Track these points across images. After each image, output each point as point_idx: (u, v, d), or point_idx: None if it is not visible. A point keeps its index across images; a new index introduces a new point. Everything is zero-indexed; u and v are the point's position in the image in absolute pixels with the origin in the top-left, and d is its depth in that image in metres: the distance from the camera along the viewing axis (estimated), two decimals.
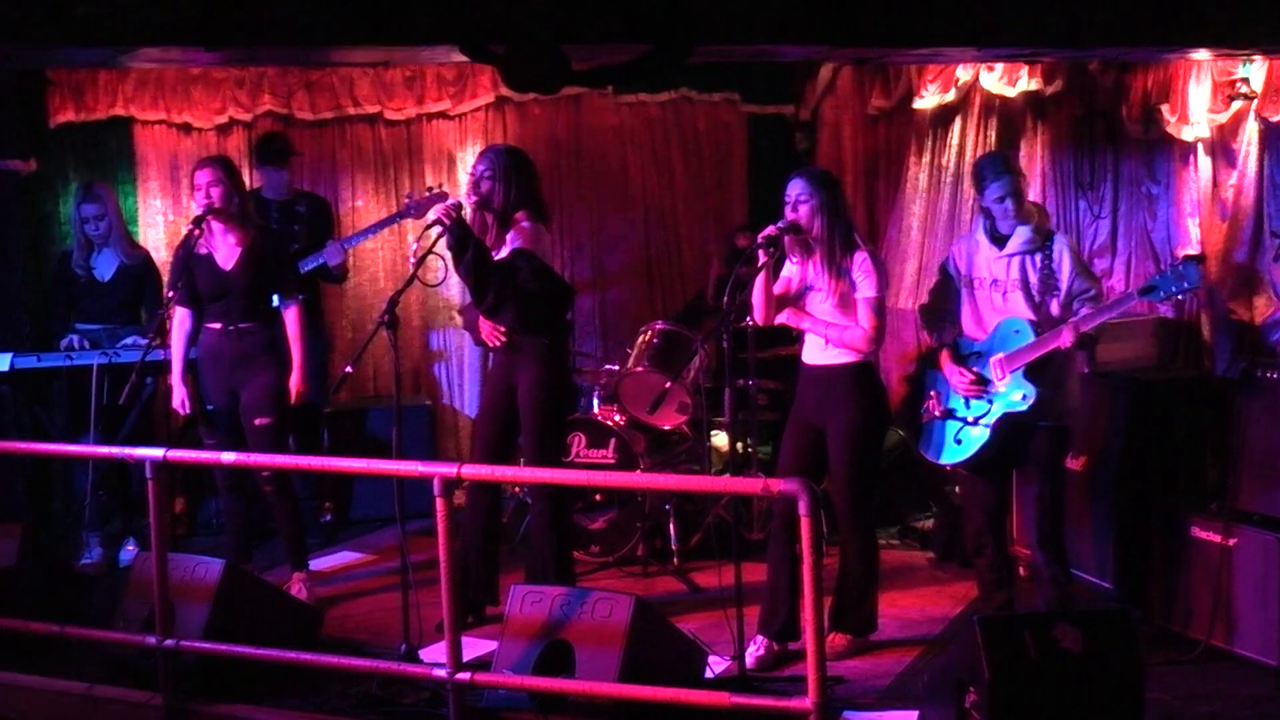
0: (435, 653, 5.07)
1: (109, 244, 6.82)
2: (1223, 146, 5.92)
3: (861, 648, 5.41)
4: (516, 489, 6.84)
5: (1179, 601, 5.40)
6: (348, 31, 4.59)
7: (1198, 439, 5.73)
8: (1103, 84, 6.47)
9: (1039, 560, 5.29)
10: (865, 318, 5.17)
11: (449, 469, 4.46)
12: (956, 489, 6.23)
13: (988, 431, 5.19)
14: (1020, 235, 5.20)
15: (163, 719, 4.79)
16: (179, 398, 6.11)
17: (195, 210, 5.98)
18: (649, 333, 6.83)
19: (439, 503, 4.39)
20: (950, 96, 7.40)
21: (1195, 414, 5.74)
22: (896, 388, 7.51)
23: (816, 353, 5.31)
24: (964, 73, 7.25)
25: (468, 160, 7.56)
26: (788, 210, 5.18)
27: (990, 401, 5.20)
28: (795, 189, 5.18)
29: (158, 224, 7.69)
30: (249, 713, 4.80)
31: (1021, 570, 5.93)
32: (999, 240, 5.25)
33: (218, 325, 5.98)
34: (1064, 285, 5.13)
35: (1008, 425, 5.17)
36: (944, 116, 7.55)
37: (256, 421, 5.91)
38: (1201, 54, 5.68)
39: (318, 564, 6.53)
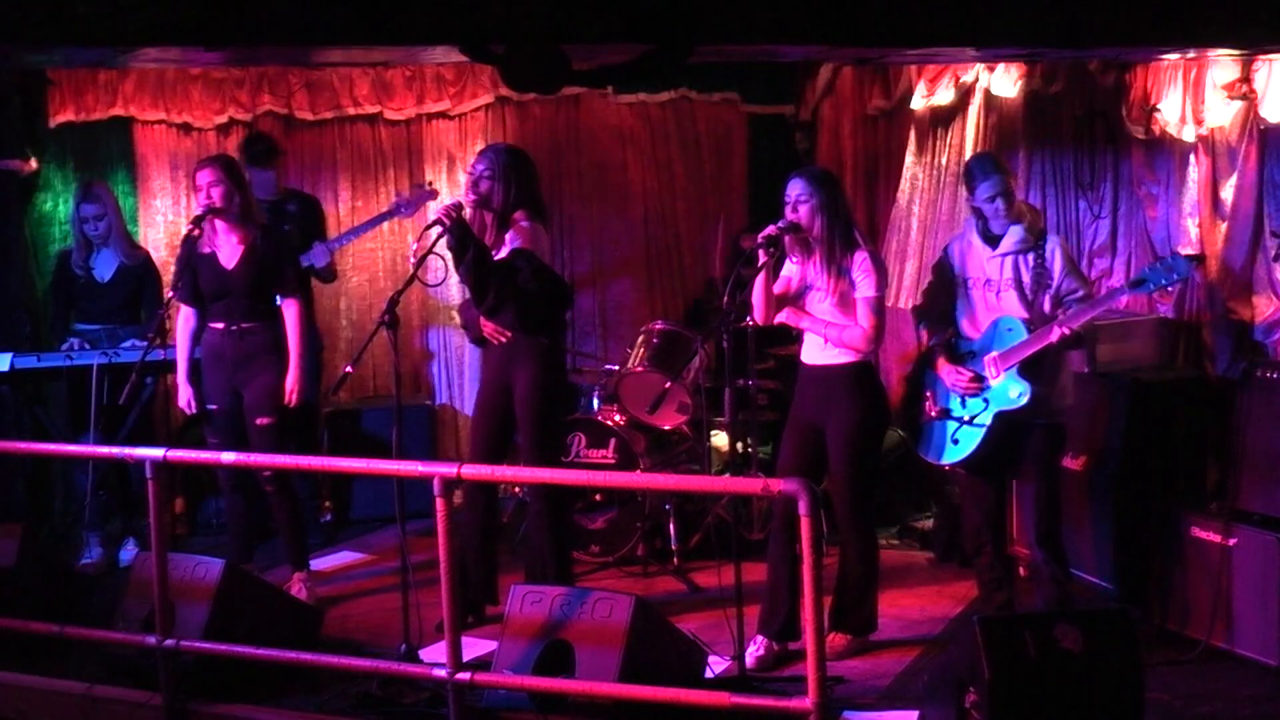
0: (435, 653, 5.08)
1: (109, 244, 6.82)
2: (1223, 146, 5.91)
3: (861, 648, 5.42)
4: (516, 489, 6.84)
5: (1179, 601, 5.40)
6: (348, 31, 4.58)
7: (1198, 439, 5.73)
8: (1103, 84, 6.47)
9: (1038, 559, 5.30)
10: (865, 317, 5.18)
11: (449, 469, 4.46)
12: (956, 489, 6.23)
13: (984, 430, 5.20)
14: (1013, 235, 5.21)
15: (163, 719, 4.80)
16: (184, 397, 6.11)
17: (196, 210, 5.98)
18: (649, 333, 6.83)
19: (439, 503, 4.39)
20: (950, 96, 7.39)
21: (1195, 414, 5.74)
22: (896, 388, 7.50)
23: (816, 352, 5.31)
24: (964, 73, 7.25)
25: (468, 160, 7.56)
26: (788, 210, 5.18)
27: (986, 400, 5.21)
28: (795, 189, 5.18)
29: (158, 224, 7.69)
30: (249, 713, 4.81)
31: (1021, 570, 5.93)
32: (992, 240, 5.27)
33: (220, 325, 5.98)
34: (1055, 284, 5.15)
35: (1004, 423, 5.18)
36: (944, 116, 7.55)
37: (259, 421, 5.91)
38: (1201, 54, 5.68)
39: (318, 564, 6.53)
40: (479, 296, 5.56)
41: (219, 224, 5.93)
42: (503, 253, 5.54)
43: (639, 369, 6.63)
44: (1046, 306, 5.16)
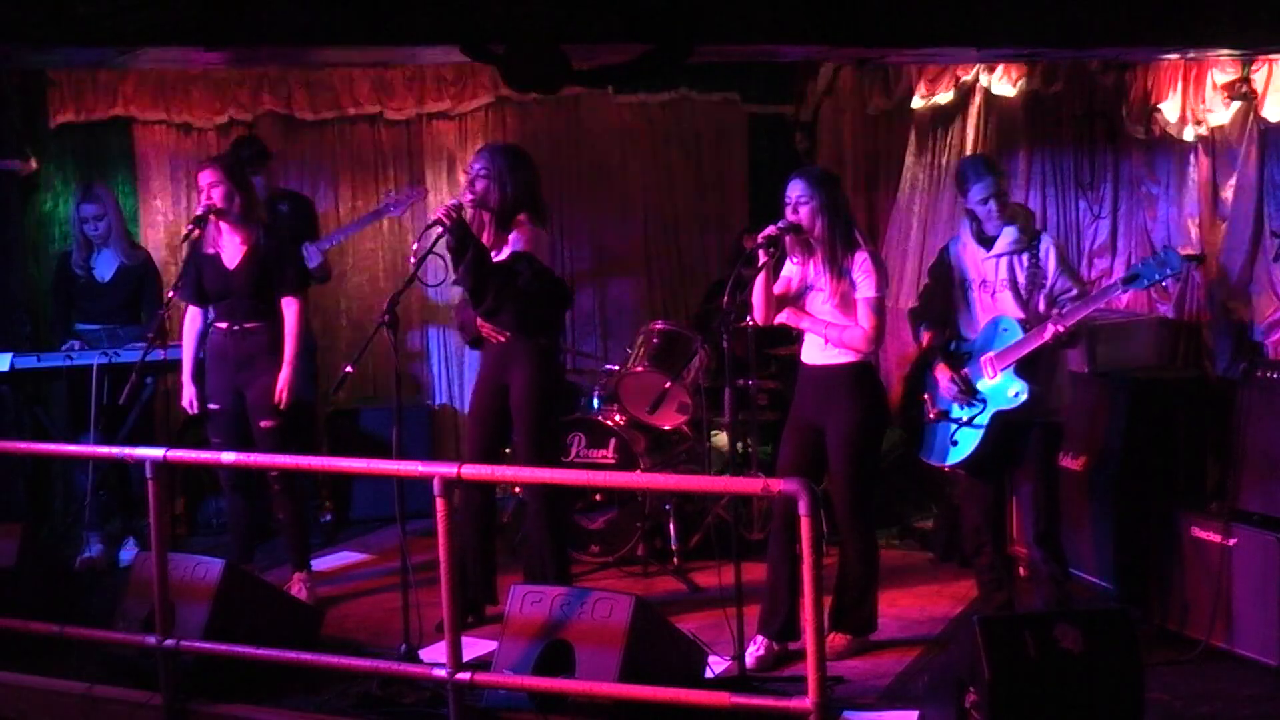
0: (435, 653, 5.07)
1: (109, 244, 6.82)
2: (1223, 146, 5.92)
3: (861, 648, 5.41)
4: (516, 489, 6.84)
5: (1179, 601, 5.40)
6: (348, 31, 4.58)
7: (1198, 439, 5.73)
8: (1103, 84, 6.47)
9: (1036, 558, 5.30)
10: (865, 318, 5.17)
11: (449, 469, 4.46)
12: (956, 490, 6.23)
13: (982, 430, 5.20)
14: (1007, 236, 5.22)
15: (163, 719, 4.79)
16: (188, 396, 6.12)
17: (197, 211, 5.98)
18: (649, 333, 6.83)
19: (439, 503, 4.39)
20: (950, 96, 7.40)
21: (1195, 414, 5.74)
22: (896, 388, 7.50)
23: (816, 353, 5.31)
24: (964, 73, 7.25)
25: (468, 160, 7.56)
26: (788, 211, 5.17)
27: (983, 400, 5.21)
28: (796, 190, 5.17)
29: (158, 224, 7.70)
30: (249, 713, 4.80)
31: (1021, 570, 5.93)
32: (986, 242, 5.27)
33: (224, 325, 5.99)
34: (1049, 283, 5.15)
35: (1002, 423, 5.18)
36: (944, 116, 7.55)
37: (262, 424, 5.91)
38: (1201, 54, 5.68)
39: (318, 564, 6.53)
40: (477, 298, 5.55)
41: (223, 225, 5.93)
42: (503, 254, 5.53)
43: (639, 369, 6.63)
44: (1041, 306, 5.17)
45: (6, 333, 7.05)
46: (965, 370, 5.27)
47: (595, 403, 7.02)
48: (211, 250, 5.97)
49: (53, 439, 6.71)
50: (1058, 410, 5.29)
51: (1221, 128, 5.88)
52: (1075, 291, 5.17)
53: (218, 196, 5.87)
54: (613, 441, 6.60)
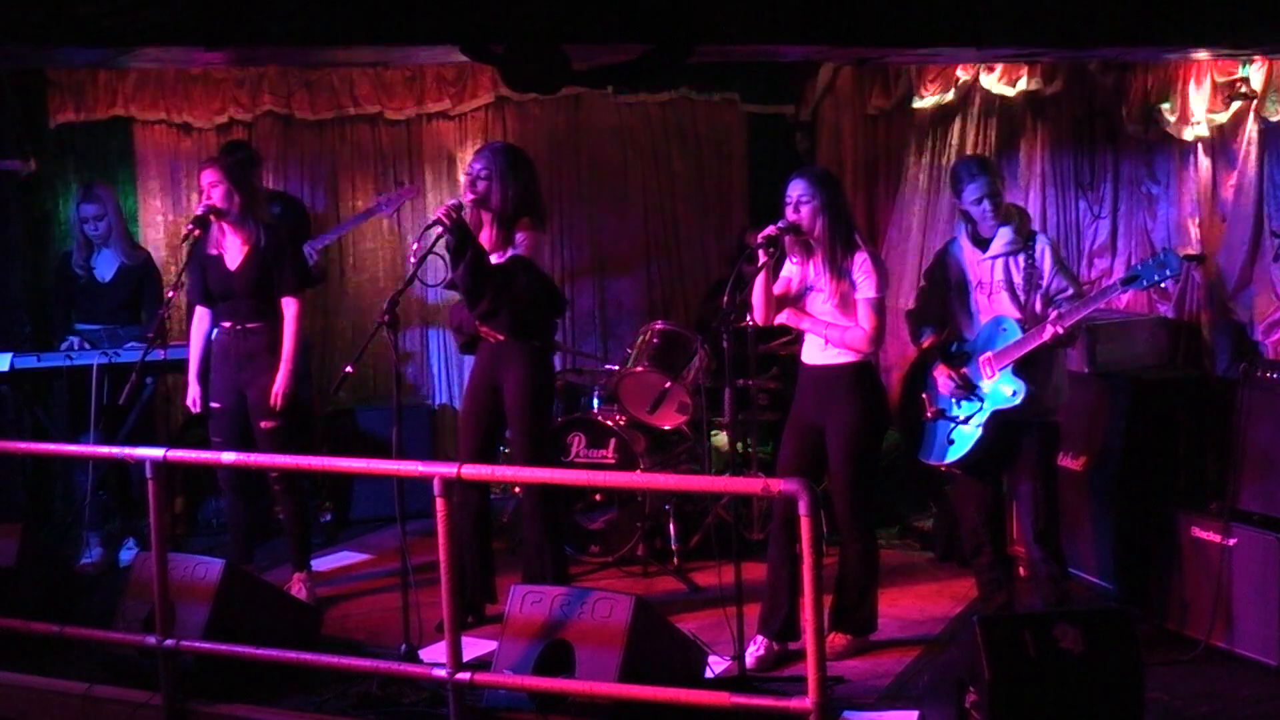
0: (435, 653, 5.07)
1: (109, 244, 6.82)
2: (1223, 146, 5.92)
3: (861, 648, 5.41)
4: (517, 489, 6.84)
5: (1178, 601, 5.40)
6: (348, 31, 4.59)
7: (1198, 439, 5.73)
8: (1103, 84, 6.47)
9: (1035, 557, 5.30)
10: (865, 318, 5.17)
11: (449, 469, 4.46)
12: (953, 490, 6.23)
13: (980, 430, 5.21)
14: (1003, 237, 5.22)
15: (163, 719, 4.80)
16: (191, 394, 6.12)
17: (198, 210, 5.98)
18: (649, 333, 6.83)
19: (439, 503, 4.39)
20: (950, 96, 7.40)
21: (1195, 414, 5.74)
22: (896, 388, 7.50)
23: (816, 353, 5.31)
24: (964, 73, 7.25)
25: (468, 160, 7.56)
26: (789, 211, 5.17)
27: (981, 400, 5.21)
28: (796, 190, 5.17)
29: (158, 224, 7.70)
30: (249, 713, 4.81)
31: (1021, 570, 5.93)
32: (981, 244, 5.27)
33: (227, 325, 6.00)
34: (1046, 283, 5.16)
35: (999, 423, 5.18)
36: (944, 116, 7.55)
37: (262, 425, 5.91)
38: (1201, 54, 5.68)
39: (318, 564, 6.52)
40: (474, 299, 5.53)
41: (225, 225, 5.93)
42: (502, 257, 5.52)
43: (639, 369, 6.63)
44: (1038, 306, 5.18)
45: (6, 333, 7.06)
46: (964, 370, 5.27)
47: (595, 403, 7.02)
48: (215, 251, 5.97)
49: (53, 439, 6.71)
50: (1055, 409, 5.30)
51: (1221, 128, 5.88)
52: (1071, 291, 5.17)
53: (217, 197, 5.87)
54: (613, 441, 6.60)
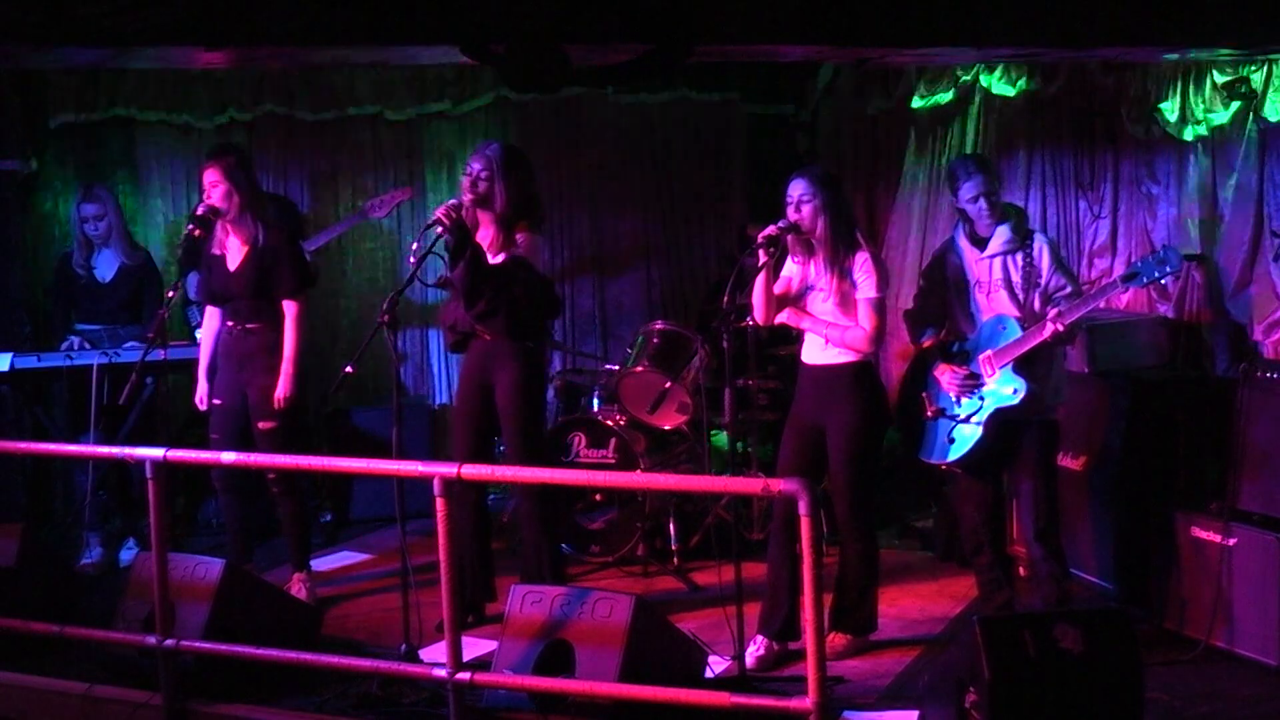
0: (435, 653, 5.07)
1: (109, 244, 6.82)
2: (1223, 146, 5.92)
3: (861, 648, 5.41)
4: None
5: (1178, 601, 5.40)
6: (348, 31, 4.59)
7: (1198, 439, 5.73)
8: (1103, 84, 6.47)
9: (1036, 555, 5.30)
10: (866, 318, 5.17)
11: (449, 469, 4.46)
12: (954, 489, 6.23)
13: (980, 428, 5.21)
14: (1000, 236, 5.22)
15: (163, 719, 4.79)
16: (200, 392, 6.14)
17: (197, 211, 5.97)
18: (649, 333, 6.83)
19: (439, 503, 4.39)
20: (950, 96, 7.40)
21: (1195, 414, 5.74)
22: (896, 388, 7.51)
23: (816, 352, 5.31)
24: (964, 73, 7.25)
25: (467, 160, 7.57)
26: (789, 210, 5.17)
27: (981, 398, 5.22)
28: (797, 189, 5.17)
29: (158, 224, 7.70)
30: (249, 713, 4.80)
31: (1021, 570, 5.93)
32: (979, 243, 5.28)
33: (229, 325, 6.01)
34: (1044, 281, 5.16)
35: (1000, 421, 5.18)
36: (944, 116, 7.55)
37: (260, 426, 5.91)
38: (1201, 54, 5.68)
39: (318, 564, 6.52)
40: (470, 300, 5.51)
41: (226, 225, 5.93)
42: (499, 258, 5.51)
43: (639, 369, 6.63)
44: (1037, 304, 5.18)
45: (6, 333, 7.06)
46: (967, 368, 5.27)
47: (595, 403, 7.02)
48: (218, 251, 5.97)
49: (53, 439, 6.71)
50: (1054, 407, 5.30)
51: (1221, 128, 5.88)
52: (1070, 289, 5.18)
53: (217, 197, 5.87)
54: (613, 441, 6.60)
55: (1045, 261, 5.19)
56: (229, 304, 5.98)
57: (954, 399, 5.30)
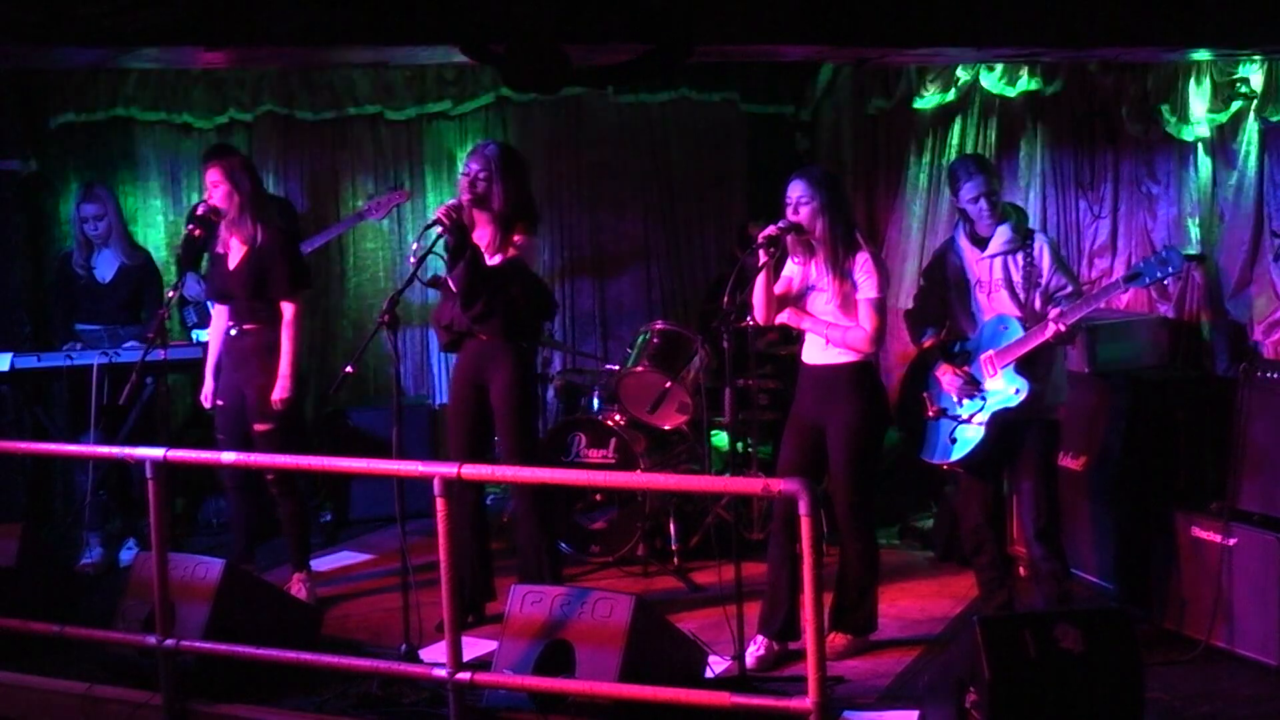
0: (435, 653, 5.07)
1: (109, 244, 6.82)
2: (1223, 146, 5.92)
3: (861, 648, 5.41)
4: None
5: (1178, 601, 5.40)
6: (348, 31, 4.59)
7: (1198, 439, 5.73)
8: (1103, 84, 6.47)
9: (1036, 555, 5.30)
10: (866, 318, 5.17)
11: (449, 469, 4.46)
12: (955, 489, 6.23)
13: (982, 428, 5.21)
14: (1001, 235, 5.23)
15: (163, 719, 4.79)
16: (206, 390, 6.15)
17: (198, 211, 5.97)
18: (649, 333, 6.83)
19: (439, 503, 4.39)
20: (950, 96, 7.40)
21: (1195, 414, 5.74)
22: (896, 388, 7.51)
23: (817, 352, 5.31)
24: (964, 73, 7.25)
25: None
26: (789, 212, 5.17)
27: (983, 398, 5.22)
28: (797, 190, 5.17)
29: (158, 224, 7.70)
30: (249, 713, 4.80)
31: (1021, 569, 5.93)
32: (980, 243, 5.28)
33: (229, 324, 6.02)
34: (1045, 281, 5.16)
35: (1001, 421, 5.18)
36: (944, 116, 7.55)
37: (257, 427, 5.91)
38: (1201, 54, 5.68)
39: (318, 564, 6.52)
40: (468, 301, 5.49)
41: (228, 225, 5.92)
42: (496, 259, 5.51)
43: (639, 369, 6.63)
44: (1038, 304, 5.19)
45: (6, 333, 7.06)
46: (967, 369, 5.27)
47: (595, 403, 7.02)
48: (222, 250, 5.98)
49: (53, 439, 6.71)
50: (1055, 407, 5.30)
51: (1221, 128, 5.89)
52: (1071, 289, 5.18)
53: (218, 197, 5.88)
54: (613, 441, 6.60)
55: (1046, 261, 5.19)
56: (230, 304, 5.99)
57: (955, 399, 5.31)
